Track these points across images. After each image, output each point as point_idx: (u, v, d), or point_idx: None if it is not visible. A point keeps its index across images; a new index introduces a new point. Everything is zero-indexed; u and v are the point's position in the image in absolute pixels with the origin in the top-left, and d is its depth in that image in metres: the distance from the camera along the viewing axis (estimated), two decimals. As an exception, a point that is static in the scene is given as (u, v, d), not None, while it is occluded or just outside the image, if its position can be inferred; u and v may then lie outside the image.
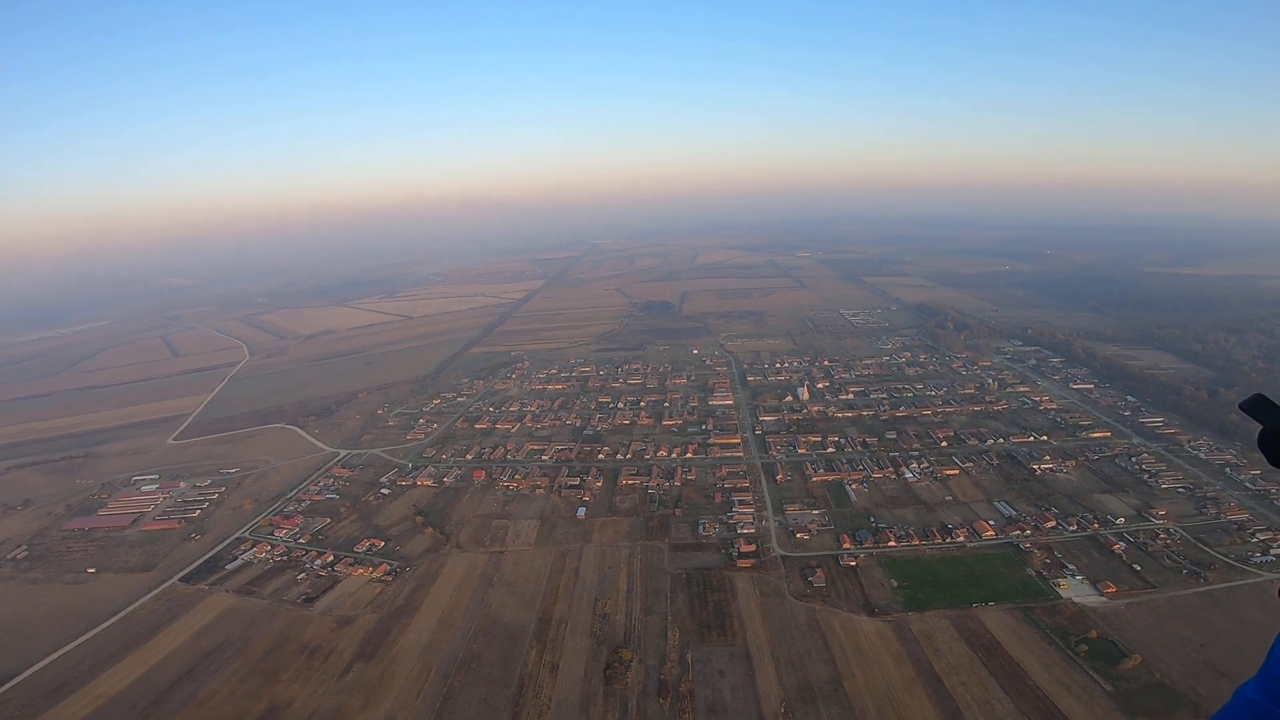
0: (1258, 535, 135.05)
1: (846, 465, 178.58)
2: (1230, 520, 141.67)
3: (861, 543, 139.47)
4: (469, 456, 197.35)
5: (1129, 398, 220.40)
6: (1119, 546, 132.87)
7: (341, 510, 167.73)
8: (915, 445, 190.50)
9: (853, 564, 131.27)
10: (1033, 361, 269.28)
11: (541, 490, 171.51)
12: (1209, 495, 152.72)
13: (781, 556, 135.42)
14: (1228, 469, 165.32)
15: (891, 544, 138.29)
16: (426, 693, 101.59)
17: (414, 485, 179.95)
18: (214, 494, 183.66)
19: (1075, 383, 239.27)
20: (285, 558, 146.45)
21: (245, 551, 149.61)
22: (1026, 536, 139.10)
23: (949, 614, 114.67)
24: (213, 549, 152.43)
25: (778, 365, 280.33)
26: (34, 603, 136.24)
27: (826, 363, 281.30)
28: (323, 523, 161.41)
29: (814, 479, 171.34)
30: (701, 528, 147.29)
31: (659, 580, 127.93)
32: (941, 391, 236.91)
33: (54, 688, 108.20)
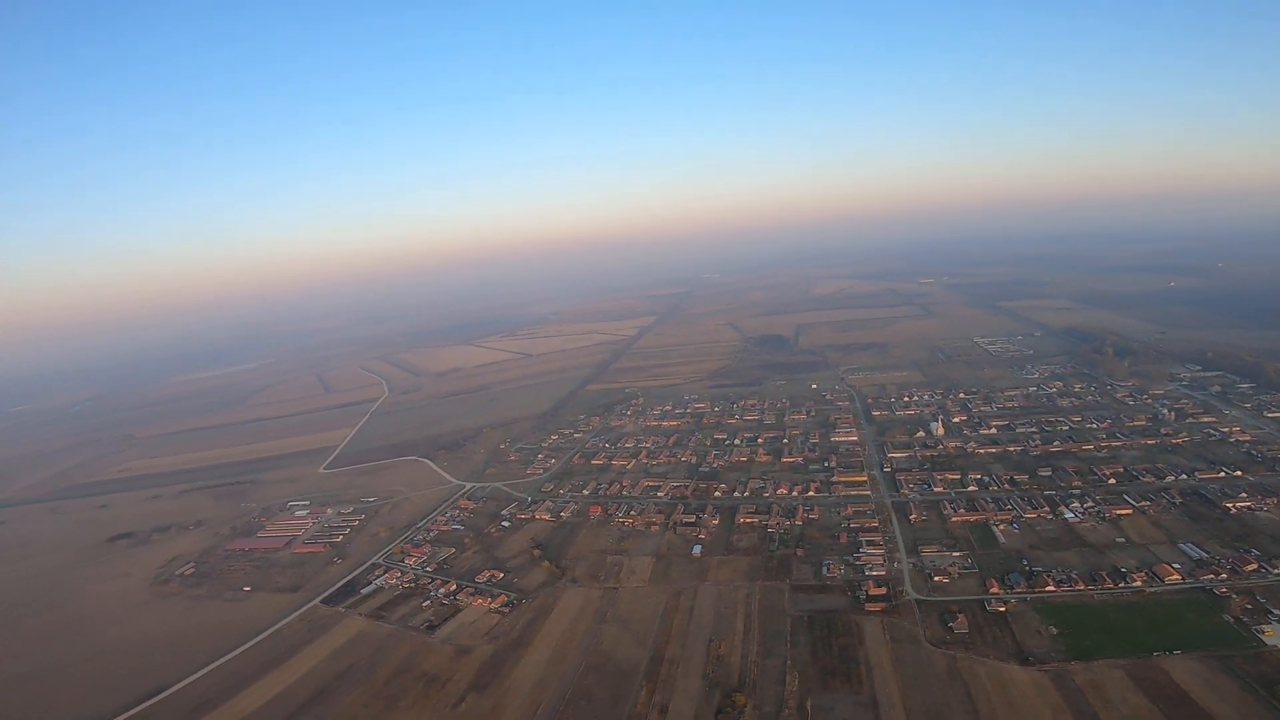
0: None
1: (992, 505, 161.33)
2: None
3: (1013, 587, 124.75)
4: (586, 492, 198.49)
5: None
6: None
7: (465, 541, 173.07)
8: (1076, 483, 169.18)
9: (1002, 609, 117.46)
10: (1216, 388, 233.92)
11: (657, 527, 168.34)
12: None
13: (916, 600, 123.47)
14: None
15: (1050, 588, 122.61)
16: None
17: (533, 519, 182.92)
18: (355, 521, 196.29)
19: (1271, 411, 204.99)
20: (413, 585, 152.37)
21: (379, 577, 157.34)
22: (1222, 581, 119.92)
23: (1123, 663, 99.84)
24: (351, 573, 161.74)
25: (906, 399, 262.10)
26: (194, 618, 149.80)
27: (962, 395, 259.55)
28: (448, 552, 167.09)
29: (954, 519, 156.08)
30: (826, 568, 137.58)
31: (778, 622, 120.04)
32: (1105, 424, 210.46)
33: (199, 703, 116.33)
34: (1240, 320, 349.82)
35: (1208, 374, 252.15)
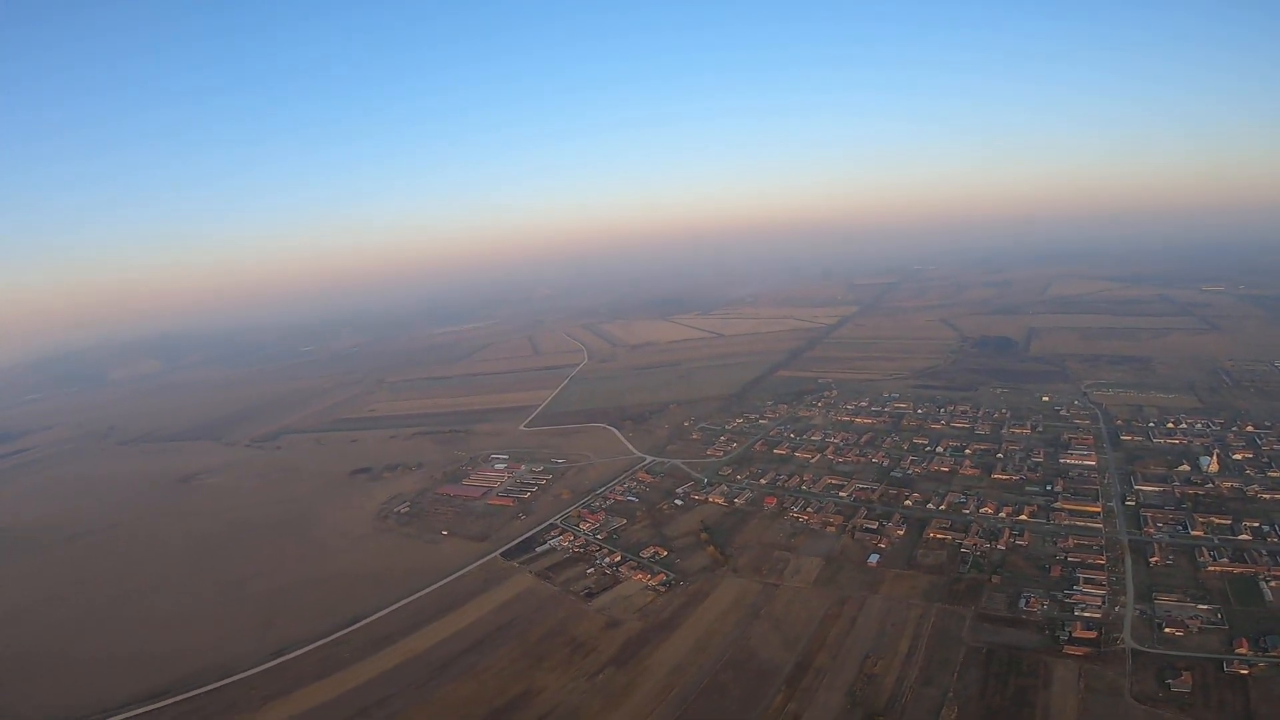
0: None
1: (1267, 558, 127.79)
2: None
3: (1267, 650, 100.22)
4: (763, 481, 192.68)
5: None
6: None
7: (638, 514, 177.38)
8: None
9: (1244, 671, 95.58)
10: None
11: (833, 528, 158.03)
12: None
13: (1132, 650, 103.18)
14: None
15: None
16: (660, 713, 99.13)
17: (705, 501, 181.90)
18: (544, 480, 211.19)
19: None
20: (582, 550, 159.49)
21: (554, 537, 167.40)
22: None
23: None
24: (531, 530, 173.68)
25: (1170, 425, 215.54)
26: (398, 557, 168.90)
27: (1250, 428, 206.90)
28: (619, 522, 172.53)
29: (1210, 568, 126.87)
30: (1024, 601, 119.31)
31: (951, 650, 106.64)
32: None
33: (383, 636, 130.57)
34: None
35: None
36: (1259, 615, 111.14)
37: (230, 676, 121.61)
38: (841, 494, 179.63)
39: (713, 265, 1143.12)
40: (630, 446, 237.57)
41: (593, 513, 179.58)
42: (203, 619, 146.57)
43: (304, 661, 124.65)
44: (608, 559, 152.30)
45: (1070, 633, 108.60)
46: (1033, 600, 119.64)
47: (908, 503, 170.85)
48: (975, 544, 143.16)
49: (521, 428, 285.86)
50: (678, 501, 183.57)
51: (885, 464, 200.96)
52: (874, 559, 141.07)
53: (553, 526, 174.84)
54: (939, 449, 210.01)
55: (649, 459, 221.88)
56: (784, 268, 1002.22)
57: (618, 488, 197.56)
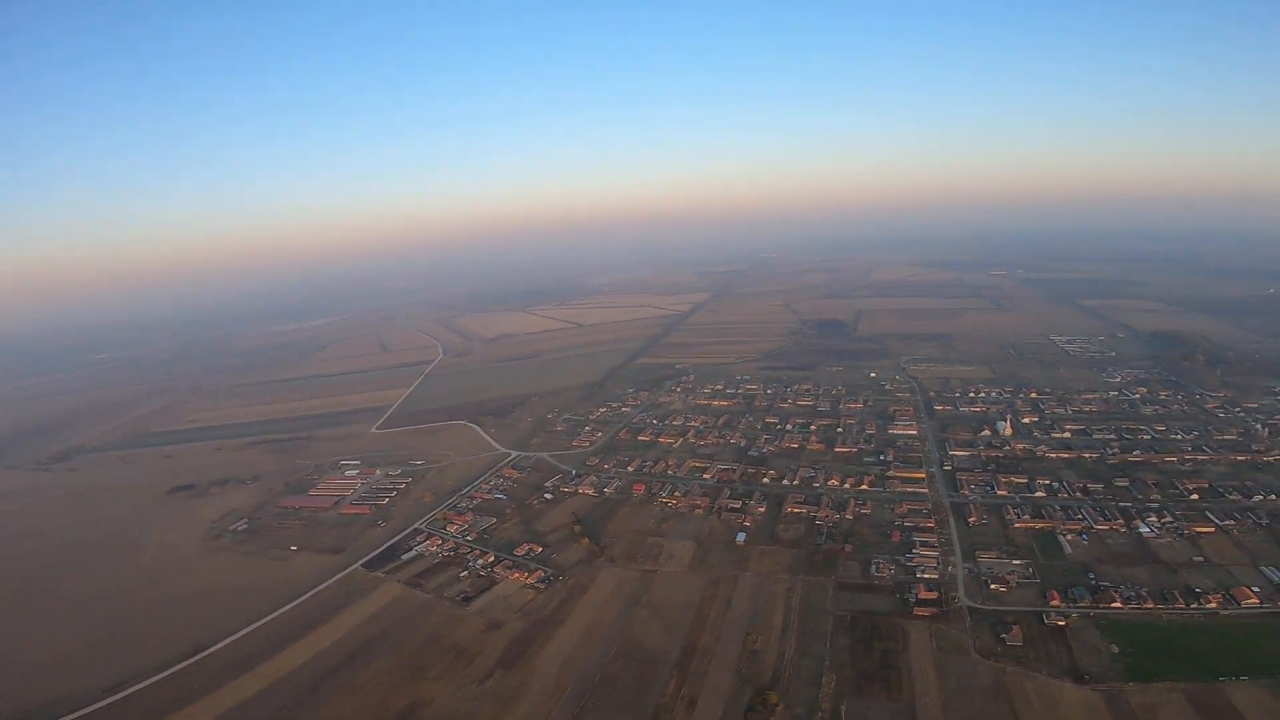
0: None
1: (1061, 513, 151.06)
2: None
3: (1076, 601, 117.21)
4: (630, 468, 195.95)
5: None
6: None
7: (507, 512, 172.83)
8: (1154, 496, 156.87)
9: (1061, 623, 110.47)
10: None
11: (700, 510, 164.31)
12: None
13: (969, 608, 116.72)
14: None
15: (1116, 605, 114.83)
16: (558, 712, 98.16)
17: (575, 493, 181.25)
18: (402, 484, 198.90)
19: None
20: (452, 553, 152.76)
21: (420, 543, 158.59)
22: None
23: (1184, 687, 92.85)
24: (394, 537, 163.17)
25: (972, 394, 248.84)
26: (242, 576, 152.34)
27: (1034, 395, 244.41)
28: (489, 522, 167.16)
29: (1016, 525, 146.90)
30: (874, 567, 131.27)
31: (819, 620, 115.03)
32: (1191, 436, 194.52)
33: (238, 661, 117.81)
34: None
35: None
36: (1062, 568, 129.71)
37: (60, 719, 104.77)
38: (705, 476, 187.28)
39: (570, 256, 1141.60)
40: (493, 442, 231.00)
41: (459, 514, 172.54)
42: (21, 658, 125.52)
43: (148, 695, 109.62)
44: (481, 560, 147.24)
45: (916, 594, 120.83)
46: (882, 565, 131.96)
47: (765, 480, 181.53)
48: (827, 515, 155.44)
49: (373, 430, 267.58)
50: (547, 495, 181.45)
51: (742, 444, 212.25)
52: (741, 537, 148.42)
53: (417, 532, 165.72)
54: (788, 427, 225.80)
55: (514, 454, 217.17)
56: (641, 257, 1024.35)
57: (484, 486, 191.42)
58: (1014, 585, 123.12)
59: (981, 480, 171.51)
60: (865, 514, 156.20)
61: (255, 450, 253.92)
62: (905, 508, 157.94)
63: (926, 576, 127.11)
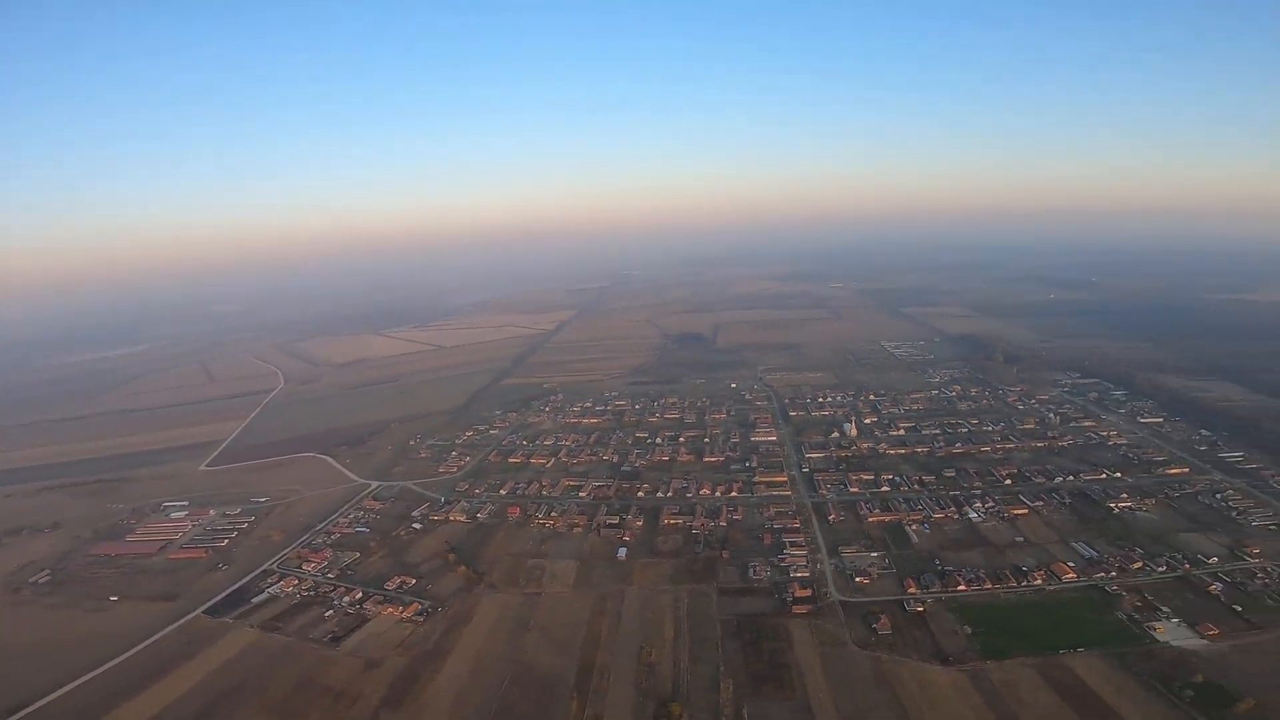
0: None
1: (904, 505, 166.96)
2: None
3: (928, 587, 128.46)
4: (503, 491, 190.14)
5: (1203, 431, 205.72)
6: (1215, 587, 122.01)
7: (372, 545, 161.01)
8: (977, 484, 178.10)
9: (920, 610, 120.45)
10: (1094, 395, 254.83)
11: (579, 529, 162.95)
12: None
13: (840, 602, 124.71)
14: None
15: (961, 588, 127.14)
16: None
17: (446, 520, 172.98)
18: (243, 523, 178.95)
19: (1143, 416, 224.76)
20: (313, 593, 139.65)
21: (272, 585, 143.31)
22: (1112, 579, 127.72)
23: (1033, 661, 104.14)
24: (239, 581, 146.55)
25: (820, 399, 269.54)
26: (55, 629, 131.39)
27: (872, 396, 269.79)
28: (352, 557, 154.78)
29: (870, 519, 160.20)
30: (752, 571, 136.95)
31: (708, 627, 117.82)
32: (999, 427, 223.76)
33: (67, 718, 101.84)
34: (1110, 330, 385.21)
35: (1085, 381, 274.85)
36: (912, 556, 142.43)
37: None
38: (581, 494, 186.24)
39: (429, 275, 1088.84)
40: (348, 473, 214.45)
41: (316, 551, 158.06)
42: None
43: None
44: (347, 598, 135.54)
45: (792, 593, 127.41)
46: (758, 568, 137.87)
47: (640, 494, 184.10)
48: (703, 524, 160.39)
49: (202, 468, 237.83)
50: (416, 525, 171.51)
51: (615, 460, 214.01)
52: (622, 553, 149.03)
53: (268, 573, 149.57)
54: (658, 440, 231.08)
55: (374, 484, 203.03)
56: (503, 276, 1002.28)
57: (341, 520, 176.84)
58: (875, 577, 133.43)
59: (835, 479, 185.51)
60: (738, 519, 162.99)
61: (54, 494, 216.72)
62: (773, 510, 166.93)
63: (799, 575, 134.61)
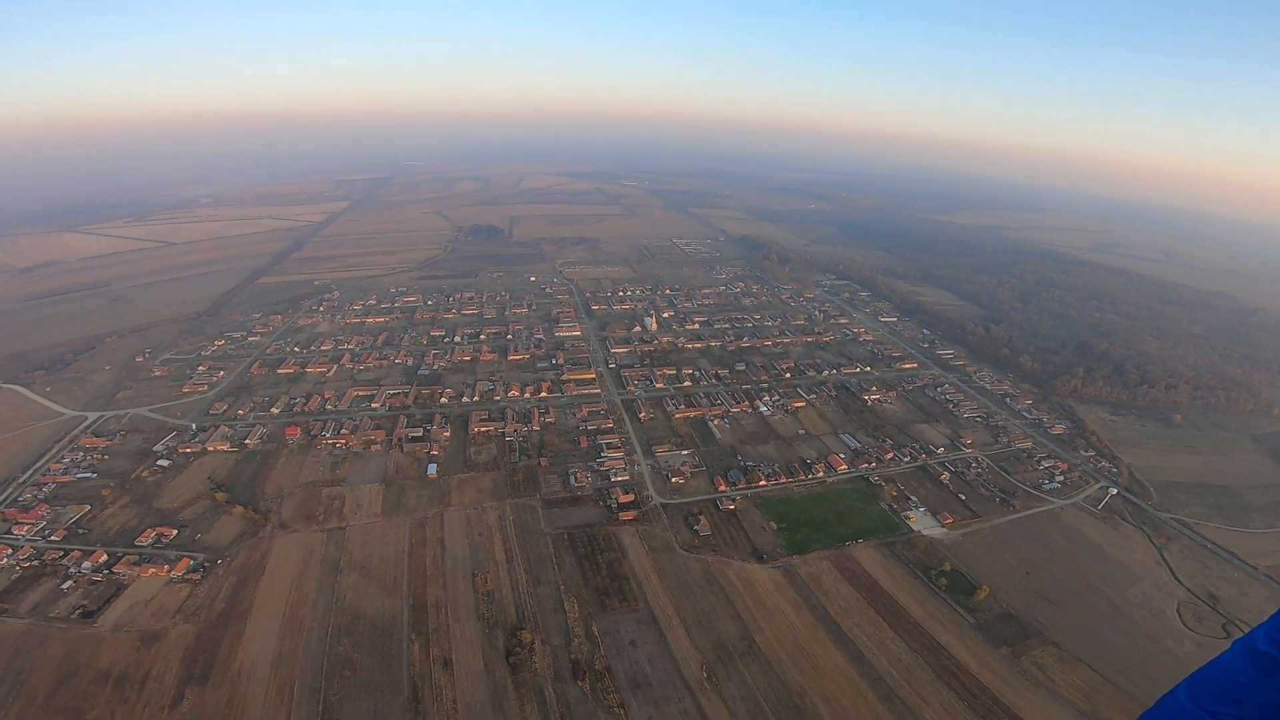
0: (1043, 463, 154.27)
1: (705, 400, 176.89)
2: (1019, 448, 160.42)
3: (735, 484, 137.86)
4: (275, 410, 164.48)
5: (925, 331, 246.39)
6: (945, 476, 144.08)
7: (105, 493, 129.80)
8: (763, 377, 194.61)
9: (732, 507, 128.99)
10: (846, 295, 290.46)
11: (379, 446, 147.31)
12: (999, 424, 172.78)
13: (662, 505, 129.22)
14: (1007, 399, 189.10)
15: (762, 483, 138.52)
16: (299, 715, 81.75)
17: (204, 452, 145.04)
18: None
19: (883, 316, 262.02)
20: (36, 562, 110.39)
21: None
22: (873, 470, 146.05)
23: (828, 554, 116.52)
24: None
25: (621, 294, 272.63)
26: None
27: (668, 291, 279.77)
28: (80, 511, 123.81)
29: (677, 416, 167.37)
30: (573, 478, 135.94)
31: (539, 544, 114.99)
32: (777, 322, 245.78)
33: None
34: (855, 240, 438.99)
35: (840, 282, 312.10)
36: (717, 453, 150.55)
37: None
38: (374, 405, 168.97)
39: (153, 166, 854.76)
40: (52, 405, 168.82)
41: (26, 510, 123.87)
42: None
43: None
44: (87, 563, 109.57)
45: (616, 499, 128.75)
46: (579, 475, 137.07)
47: (444, 400, 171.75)
48: (516, 430, 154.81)
49: None
50: (162, 463, 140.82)
51: (410, 363, 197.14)
52: (433, 470, 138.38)
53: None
54: (456, 339, 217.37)
55: (91, 416, 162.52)
56: (253, 166, 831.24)
57: (54, 466, 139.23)
58: (689, 476, 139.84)
59: (641, 375, 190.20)
60: (551, 423, 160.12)
61: None
62: (585, 411, 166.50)
63: (620, 479, 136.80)
